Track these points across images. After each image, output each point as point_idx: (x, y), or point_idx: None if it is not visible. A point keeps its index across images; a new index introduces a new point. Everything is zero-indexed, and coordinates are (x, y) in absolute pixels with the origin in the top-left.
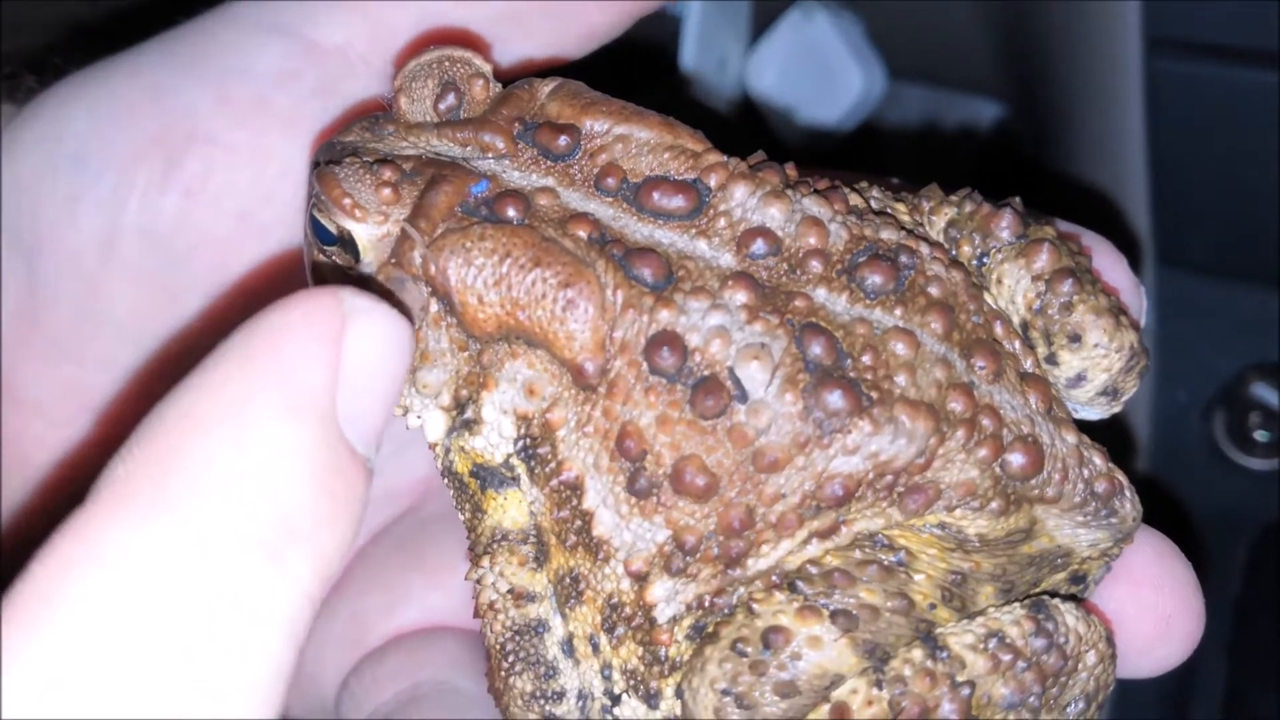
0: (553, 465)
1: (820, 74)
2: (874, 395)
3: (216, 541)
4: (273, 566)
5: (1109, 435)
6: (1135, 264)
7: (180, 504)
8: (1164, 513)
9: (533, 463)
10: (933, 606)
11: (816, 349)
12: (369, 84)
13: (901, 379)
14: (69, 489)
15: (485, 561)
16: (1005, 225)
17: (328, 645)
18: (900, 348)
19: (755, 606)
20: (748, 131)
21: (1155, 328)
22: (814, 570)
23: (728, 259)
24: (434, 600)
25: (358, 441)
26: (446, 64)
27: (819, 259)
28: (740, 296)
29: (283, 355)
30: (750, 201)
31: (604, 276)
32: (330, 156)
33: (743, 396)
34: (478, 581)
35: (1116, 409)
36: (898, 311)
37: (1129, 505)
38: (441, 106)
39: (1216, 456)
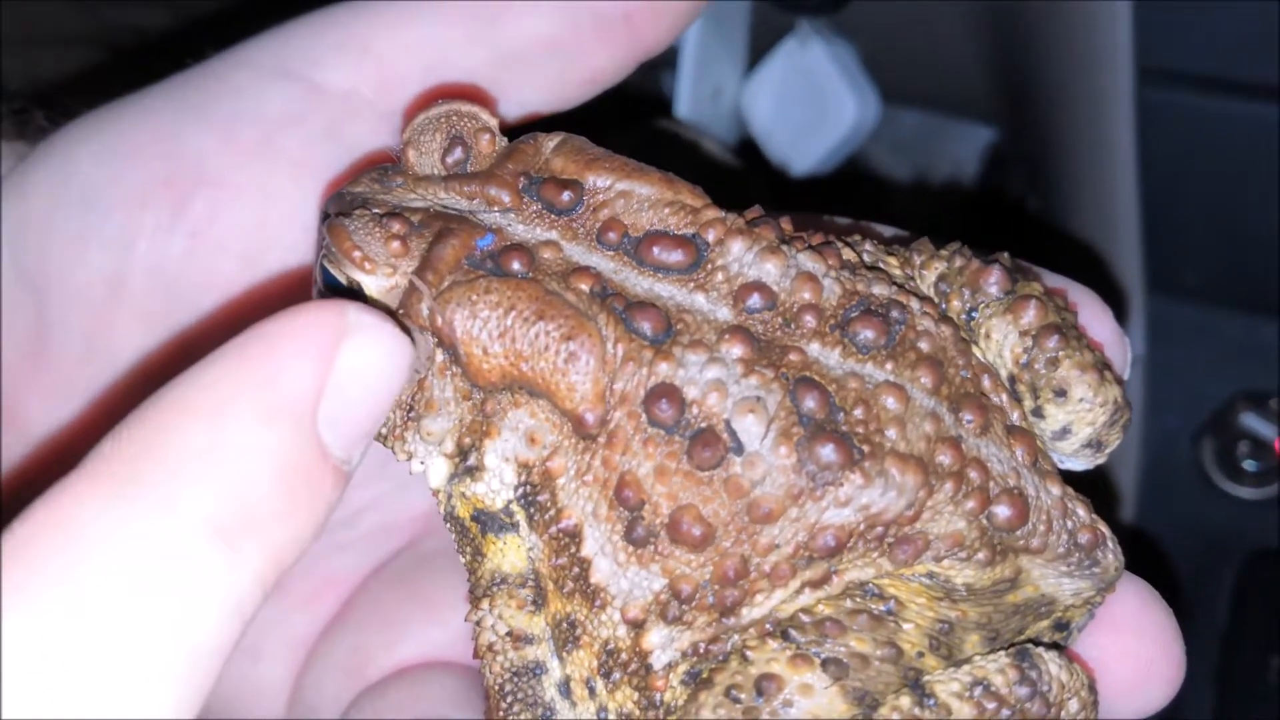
0: (552, 512)
1: (815, 102)
2: (865, 449)
3: (173, 520)
4: (224, 549)
5: (1098, 469)
6: (1120, 315)
7: (148, 482)
8: (1152, 540)
9: (532, 509)
10: (920, 655)
11: (810, 403)
12: (375, 128)
13: (892, 433)
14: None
15: (485, 604)
16: (993, 281)
17: (327, 676)
18: (891, 402)
19: (749, 654)
20: (743, 162)
21: (1146, 355)
22: (806, 619)
23: (725, 312)
24: (434, 635)
25: (336, 446)
26: (454, 118)
27: (813, 314)
28: (736, 350)
29: (274, 358)
30: (747, 257)
31: (605, 329)
32: (340, 208)
33: (739, 449)
34: (477, 623)
35: (1101, 460)
36: (889, 366)
37: (1111, 555)
38: (449, 160)
39: (1205, 484)
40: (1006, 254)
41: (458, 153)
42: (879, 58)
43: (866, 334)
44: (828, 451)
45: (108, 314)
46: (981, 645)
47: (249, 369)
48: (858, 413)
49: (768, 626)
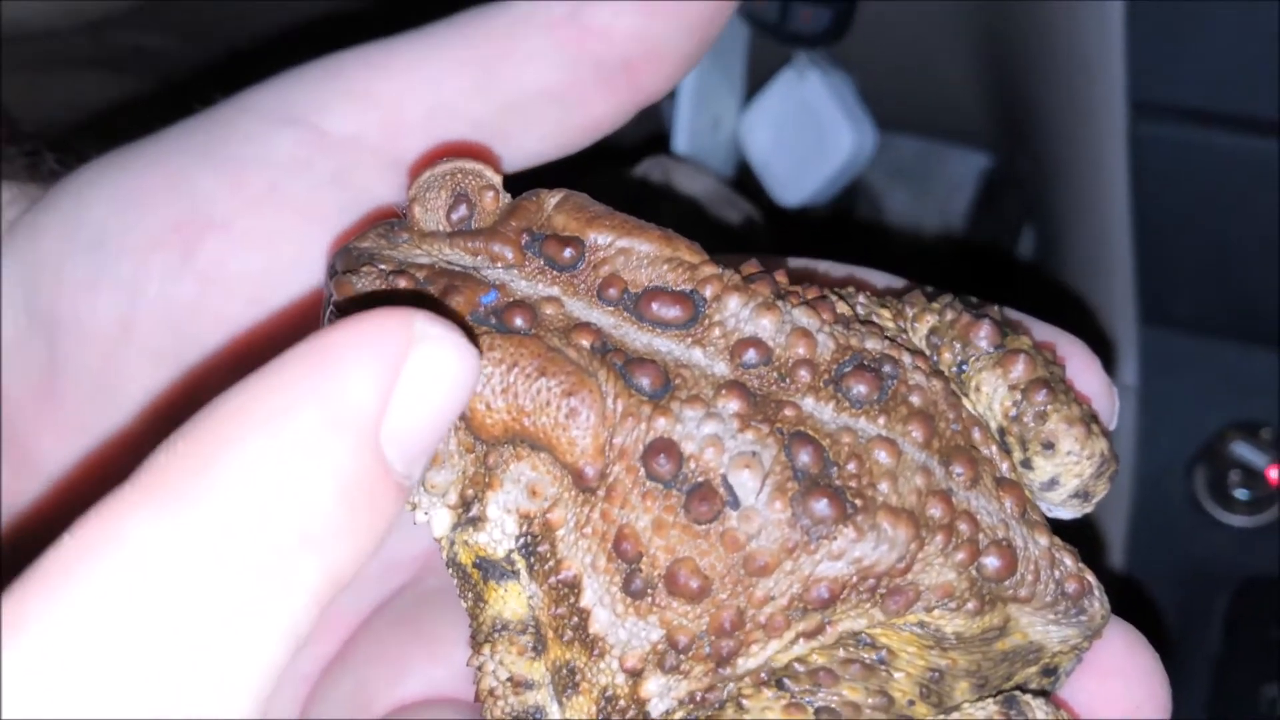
0: (552, 563)
1: (812, 133)
2: (858, 503)
3: (229, 535)
4: (281, 567)
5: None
6: (1109, 365)
7: (204, 498)
8: (1144, 568)
9: (532, 559)
10: (911, 703)
11: (805, 457)
12: (380, 174)
13: (884, 486)
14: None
15: (486, 649)
16: (983, 335)
17: (331, 714)
18: (883, 456)
19: (744, 702)
20: (741, 193)
21: (1138, 385)
22: (800, 668)
23: (722, 367)
24: (436, 673)
25: (399, 461)
26: (459, 175)
27: (808, 368)
28: (733, 405)
29: (337, 367)
30: (743, 313)
31: (605, 385)
32: (346, 263)
33: (735, 503)
34: (479, 669)
35: (1088, 509)
36: (881, 420)
37: (1098, 604)
38: (453, 216)
39: (1197, 513)
40: (997, 307)
41: (462, 209)
42: (876, 87)
43: (860, 389)
44: (822, 506)
45: (117, 355)
46: (970, 692)
47: (311, 378)
48: (851, 467)
49: (763, 675)
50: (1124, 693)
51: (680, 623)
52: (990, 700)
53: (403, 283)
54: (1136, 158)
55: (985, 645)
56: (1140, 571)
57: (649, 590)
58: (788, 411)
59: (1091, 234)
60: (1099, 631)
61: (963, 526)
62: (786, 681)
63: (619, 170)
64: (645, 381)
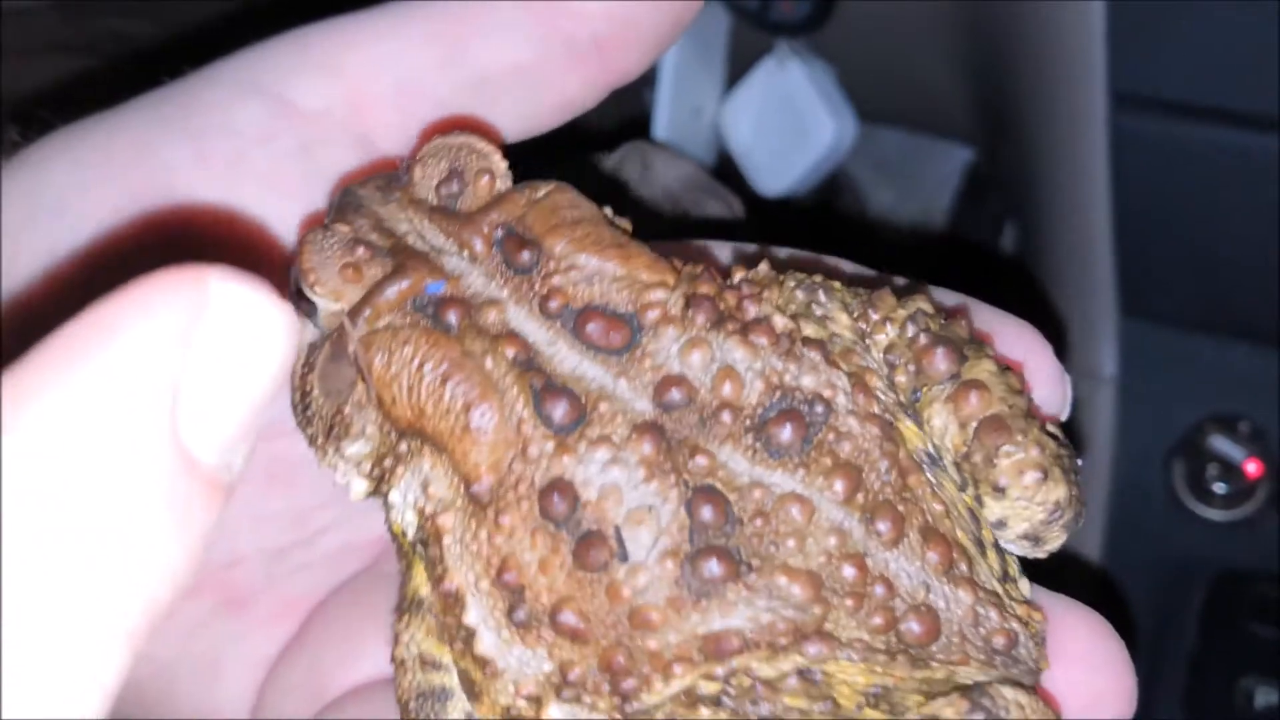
0: (440, 569)
1: (793, 122)
2: (754, 562)
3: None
4: (80, 601)
5: None
6: (1061, 352)
7: None
8: (1121, 562)
9: (426, 558)
10: (860, 707)
11: (706, 514)
12: (346, 148)
13: (790, 544)
14: None
15: (404, 620)
16: (939, 362)
17: (287, 696)
18: (794, 513)
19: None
20: (722, 181)
21: (1117, 378)
22: (733, 691)
23: (644, 404)
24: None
25: (207, 450)
26: (463, 152)
27: (730, 412)
28: (643, 449)
29: (114, 344)
30: (674, 347)
31: (513, 405)
32: (339, 205)
33: (624, 556)
34: (395, 635)
35: (1040, 554)
36: (800, 474)
37: (1028, 650)
38: (443, 191)
39: (1175, 506)
40: (964, 321)
41: (454, 186)
42: (857, 78)
43: (781, 437)
44: (711, 566)
45: None
46: (926, 701)
47: (82, 362)
48: (756, 524)
49: (690, 695)
50: (1087, 681)
51: (569, 657)
52: (956, 695)
53: (359, 253)
54: (1117, 150)
55: (929, 679)
56: (1117, 565)
57: (534, 622)
58: (700, 460)
59: (1072, 226)
60: (1039, 672)
61: (878, 591)
62: (724, 699)
63: (596, 155)
64: (558, 413)
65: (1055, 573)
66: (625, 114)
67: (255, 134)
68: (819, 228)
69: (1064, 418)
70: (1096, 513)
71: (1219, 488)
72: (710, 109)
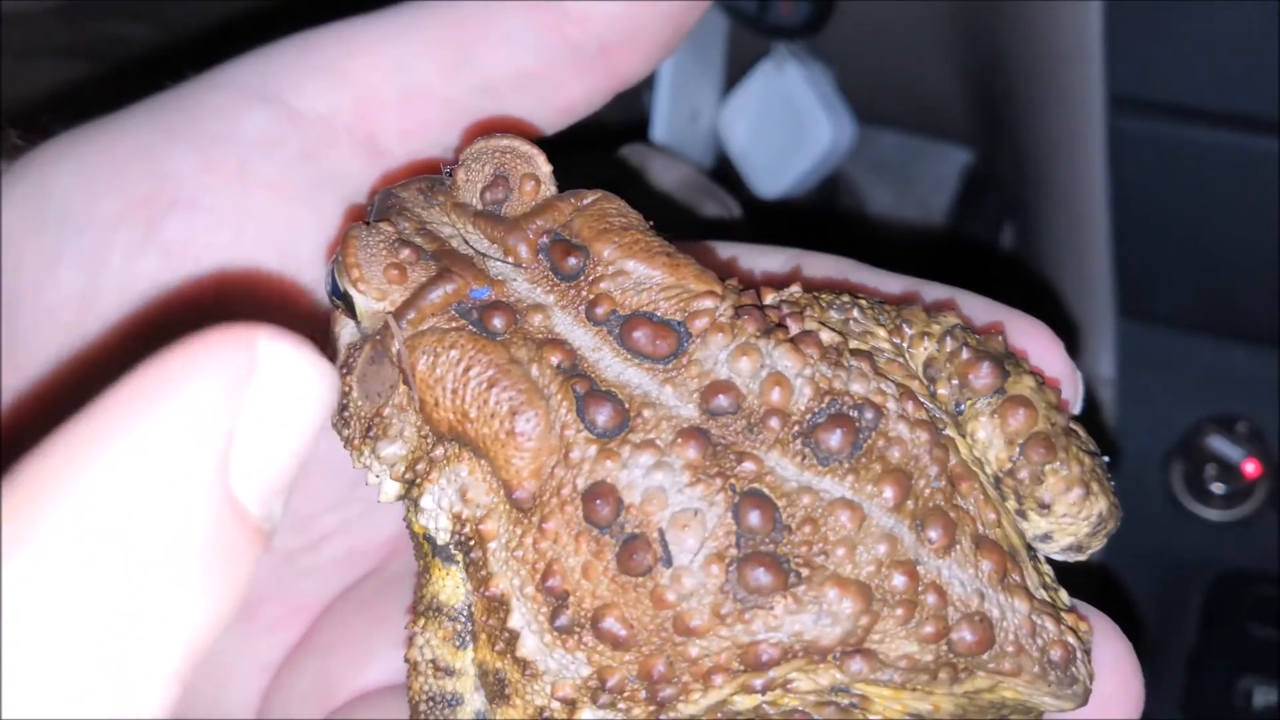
0: (484, 573)
1: (791, 125)
2: (804, 572)
3: (65, 612)
4: (124, 654)
5: None
6: (1083, 342)
7: (27, 565)
8: (1120, 562)
9: (468, 562)
10: None
11: (754, 519)
12: (352, 153)
13: (839, 553)
14: None
15: (420, 623)
16: (984, 377)
17: (294, 701)
18: (844, 520)
19: None
20: (720, 184)
21: (1116, 379)
22: (772, 711)
23: (690, 410)
24: (399, 660)
25: (254, 502)
26: (508, 157)
27: (778, 418)
28: (688, 454)
29: (172, 403)
30: (721, 354)
31: (558, 411)
32: (379, 208)
33: (668, 560)
34: (410, 637)
35: (1082, 558)
36: (849, 480)
37: (1084, 669)
38: (487, 196)
39: (1174, 507)
40: (1000, 336)
41: (499, 191)
42: (856, 81)
43: (830, 442)
44: (759, 575)
45: (78, 332)
46: None
47: (142, 420)
48: (805, 531)
49: (726, 714)
50: (1096, 684)
51: (608, 664)
52: None
53: (404, 255)
54: (1115, 152)
55: (971, 696)
56: (1117, 565)
57: (576, 628)
58: (747, 465)
59: (1070, 228)
60: (1086, 698)
61: (930, 599)
62: None
63: (594, 156)
64: (601, 418)
65: (1060, 575)
66: (625, 116)
67: (260, 140)
68: (817, 229)
69: (1077, 411)
70: None
71: (1217, 488)
72: (708, 112)
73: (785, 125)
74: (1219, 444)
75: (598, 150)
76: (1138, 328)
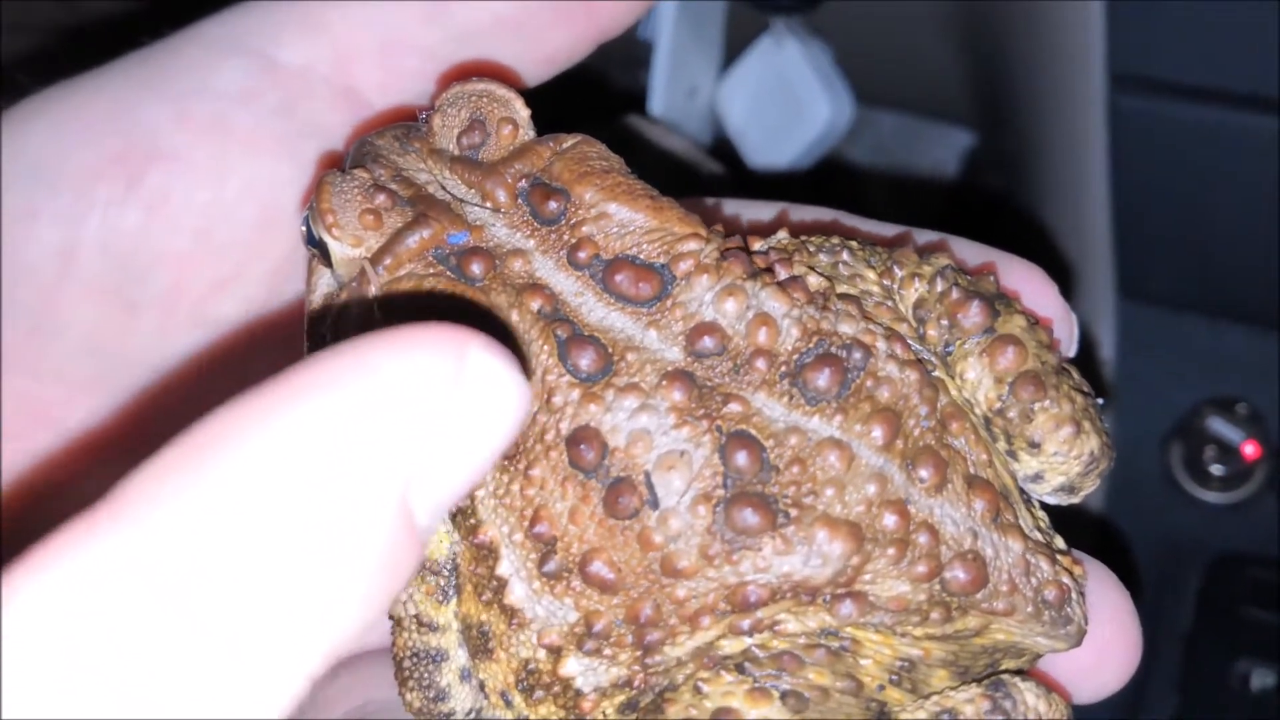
0: (473, 521)
1: (789, 101)
2: (793, 512)
3: (206, 612)
4: (277, 644)
5: None
6: (1066, 291)
7: (173, 552)
8: (1119, 544)
9: (455, 511)
10: (881, 688)
11: (740, 460)
12: (331, 105)
13: (828, 493)
14: (24, 505)
15: None
16: (973, 316)
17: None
18: (832, 460)
19: (703, 686)
20: (717, 160)
21: (1115, 360)
22: (761, 653)
23: (675, 353)
24: (385, 620)
25: (425, 515)
26: (485, 100)
27: (765, 359)
28: (673, 396)
29: (373, 403)
30: (707, 296)
31: (540, 357)
32: (355, 155)
33: (654, 503)
34: None
35: (1075, 500)
36: (837, 420)
37: (1079, 610)
38: (464, 141)
39: (1172, 489)
40: (991, 276)
41: (475, 136)
42: (855, 59)
43: (818, 382)
44: (746, 515)
45: (57, 288)
46: (951, 679)
47: (336, 418)
48: (793, 471)
49: (713, 658)
50: (1094, 631)
51: (595, 608)
52: (975, 685)
53: (379, 200)
54: (1115, 131)
55: (962, 640)
56: (1114, 547)
57: (564, 573)
58: (733, 406)
59: (1071, 208)
60: (1081, 639)
61: (922, 539)
62: (748, 665)
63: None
64: (584, 362)
65: (1058, 528)
66: (621, 91)
67: (237, 92)
68: (813, 200)
69: (1071, 354)
70: (1095, 495)
71: (1217, 470)
72: (706, 88)
73: (783, 101)
74: (1218, 426)
75: (594, 123)
76: (1138, 308)
